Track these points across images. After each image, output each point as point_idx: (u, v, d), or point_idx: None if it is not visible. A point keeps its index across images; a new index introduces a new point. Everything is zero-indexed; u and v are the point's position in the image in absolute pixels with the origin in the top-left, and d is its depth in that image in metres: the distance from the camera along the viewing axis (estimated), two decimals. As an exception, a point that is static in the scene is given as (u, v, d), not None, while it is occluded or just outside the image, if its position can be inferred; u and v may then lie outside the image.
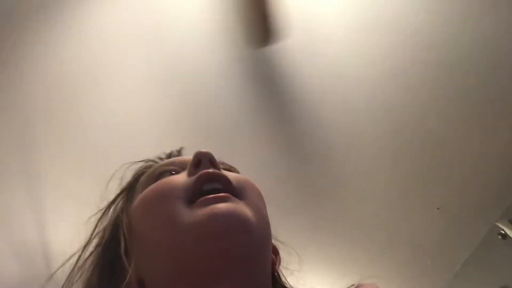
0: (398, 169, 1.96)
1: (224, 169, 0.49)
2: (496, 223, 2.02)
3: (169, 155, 0.58)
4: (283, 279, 0.51)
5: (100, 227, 0.51)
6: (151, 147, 0.62)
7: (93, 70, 1.60)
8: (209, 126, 1.72)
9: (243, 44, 1.33)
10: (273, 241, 0.50)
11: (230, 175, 0.46)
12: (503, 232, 1.98)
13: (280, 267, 0.52)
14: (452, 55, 1.55)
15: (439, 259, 2.29)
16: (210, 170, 0.44)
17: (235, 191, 0.43)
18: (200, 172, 0.44)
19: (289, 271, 0.52)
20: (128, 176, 0.56)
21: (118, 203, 0.52)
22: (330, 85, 1.60)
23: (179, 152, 0.59)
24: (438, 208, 2.09)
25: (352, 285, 0.43)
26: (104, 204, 0.53)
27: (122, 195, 0.53)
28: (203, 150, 0.46)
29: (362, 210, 2.09)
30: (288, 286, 0.50)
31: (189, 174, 0.45)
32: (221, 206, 0.40)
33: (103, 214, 0.52)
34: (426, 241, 2.20)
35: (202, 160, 0.45)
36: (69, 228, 2.06)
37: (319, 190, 1.98)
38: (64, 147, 1.87)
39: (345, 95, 1.64)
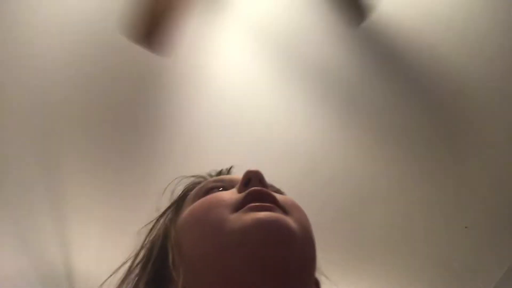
0: (420, 190, 1.92)
1: (273, 190, 0.50)
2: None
3: (219, 173, 0.61)
4: None
5: (148, 239, 0.52)
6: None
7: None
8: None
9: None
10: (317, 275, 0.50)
11: (277, 195, 0.47)
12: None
13: None
14: None
15: (472, 280, 2.21)
16: (259, 188, 0.45)
17: (280, 207, 0.44)
18: (250, 189, 0.45)
19: None
20: (179, 190, 0.59)
21: (167, 216, 0.54)
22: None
23: (228, 171, 0.62)
24: (466, 227, 2.03)
25: None
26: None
27: (171, 208, 0.55)
28: (253, 169, 0.48)
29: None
30: None
31: (239, 191, 0.47)
32: (267, 213, 0.41)
33: (154, 226, 0.54)
34: (456, 261, 2.13)
35: (252, 179, 0.47)
36: (93, 250, 2.09)
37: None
38: (89, 169, 1.90)
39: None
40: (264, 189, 0.45)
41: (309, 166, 1.84)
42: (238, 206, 0.43)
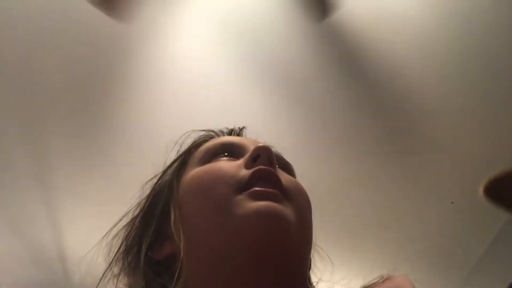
0: (409, 164, 1.95)
1: (281, 164, 0.50)
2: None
3: (231, 132, 0.60)
4: (312, 285, 0.52)
5: (153, 193, 0.52)
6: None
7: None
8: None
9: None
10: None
11: (282, 176, 0.46)
12: (519, 224, 1.95)
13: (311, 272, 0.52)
14: None
15: (455, 254, 2.27)
16: (265, 167, 0.44)
17: (284, 192, 0.44)
18: (256, 168, 0.44)
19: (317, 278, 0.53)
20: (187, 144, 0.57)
21: (173, 168, 0.54)
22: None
23: (240, 131, 0.60)
24: (452, 203, 2.07)
25: (382, 276, 0.43)
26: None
27: (179, 160, 0.54)
28: (264, 145, 0.47)
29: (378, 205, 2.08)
30: None
31: (246, 166, 0.46)
32: (268, 204, 0.41)
33: (159, 179, 0.54)
34: (441, 235, 2.19)
35: (261, 155, 0.46)
36: (84, 230, 2.10)
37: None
38: (77, 150, 1.89)
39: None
40: (271, 170, 0.45)
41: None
42: (243, 187, 0.43)
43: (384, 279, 0.43)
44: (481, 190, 0.38)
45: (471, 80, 1.67)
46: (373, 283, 0.43)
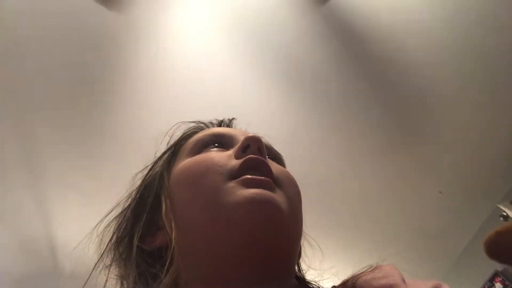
0: (397, 154, 1.97)
1: (271, 154, 0.50)
2: (497, 205, 2.03)
3: (220, 123, 0.60)
4: (302, 272, 0.52)
5: (143, 185, 0.52)
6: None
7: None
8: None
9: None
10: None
11: (273, 166, 0.47)
12: (505, 214, 1.99)
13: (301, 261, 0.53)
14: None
15: (443, 242, 2.31)
16: (255, 156, 0.44)
17: (274, 181, 0.44)
18: (247, 157, 0.44)
19: (307, 265, 0.53)
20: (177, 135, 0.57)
21: (163, 159, 0.54)
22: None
23: (230, 122, 0.60)
24: (440, 192, 2.10)
25: (371, 266, 0.44)
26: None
27: (169, 151, 0.54)
28: (253, 135, 0.47)
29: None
30: (306, 279, 0.51)
31: (236, 156, 0.46)
32: (260, 191, 0.41)
33: (150, 171, 0.53)
34: (429, 224, 2.22)
35: (251, 145, 0.46)
36: (74, 221, 2.09)
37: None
38: (66, 141, 1.87)
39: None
40: (261, 158, 0.44)
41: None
42: (234, 175, 0.43)
43: (373, 268, 0.43)
44: (483, 246, 0.36)
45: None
46: (362, 272, 0.43)
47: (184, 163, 0.48)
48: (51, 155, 1.92)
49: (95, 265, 0.47)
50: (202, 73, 1.69)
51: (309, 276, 0.51)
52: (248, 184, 0.42)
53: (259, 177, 0.42)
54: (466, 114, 1.83)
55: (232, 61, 1.66)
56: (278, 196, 0.42)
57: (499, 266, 2.01)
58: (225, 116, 0.60)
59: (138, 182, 0.52)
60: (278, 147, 0.55)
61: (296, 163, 0.57)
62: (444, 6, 1.53)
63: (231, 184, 0.42)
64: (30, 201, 2.09)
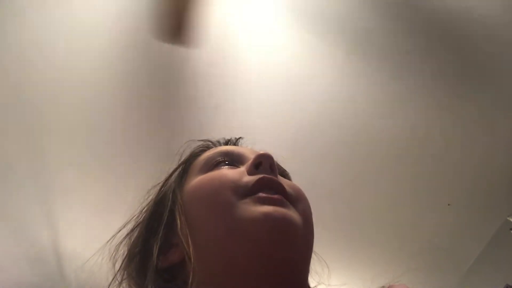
0: (406, 167, 1.96)
1: (280, 171, 0.52)
2: (508, 218, 2.01)
3: (227, 142, 0.62)
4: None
5: (154, 201, 0.53)
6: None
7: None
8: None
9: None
10: None
11: (285, 183, 0.48)
12: (515, 227, 1.96)
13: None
14: None
15: (452, 255, 2.28)
16: (269, 176, 0.46)
17: (287, 198, 0.45)
18: (261, 176, 0.46)
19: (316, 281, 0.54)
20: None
21: (174, 176, 0.55)
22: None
23: (236, 141, 0.62)
24: (449, 204, 2.08)
25: (383, 286, 0.44)
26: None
27: (179, 169, 0.56)
28: (265, 152, 0.48)
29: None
30: None
31: (249, 172, 0.47)
32: (275, 209, 0.42)
33: (161, 188, 0.54)
34: (438, 237, 2.19)
35: (263, 163, 0.47)
36: (81, 229, 2.09)
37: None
38: (74, 151, 1.88)
39: None
40: (274, 178, 0.46)
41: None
42: (248, 192, 0.44)
43: None
44: None
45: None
46: None
47: (198, 179, 0.49)
48: (60, 164, 1.93)
49: (109, 285, 0.48)
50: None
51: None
52: (262, 201, 0.43)
53: (273, 196, 0.43)
54: (470, 125, 1.81)
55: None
56: (292, 213, 0.43)
57: (510, 280, 1.98)
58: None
59: (149, 199, 0.53)
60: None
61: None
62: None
63: (245, 200, 0.43)
64: (36, 210, 2.10)
